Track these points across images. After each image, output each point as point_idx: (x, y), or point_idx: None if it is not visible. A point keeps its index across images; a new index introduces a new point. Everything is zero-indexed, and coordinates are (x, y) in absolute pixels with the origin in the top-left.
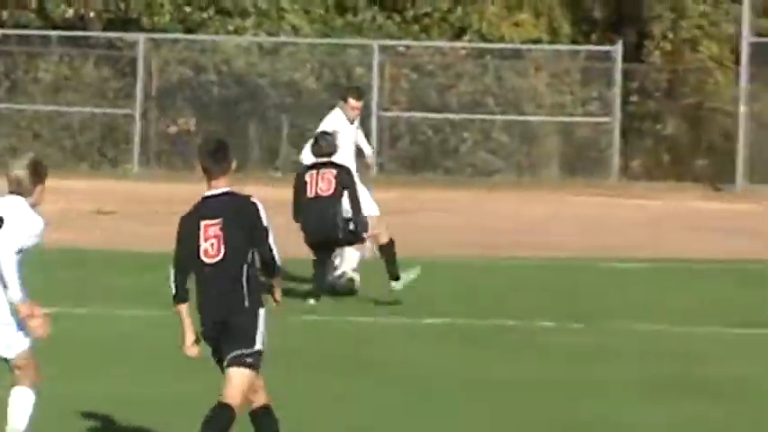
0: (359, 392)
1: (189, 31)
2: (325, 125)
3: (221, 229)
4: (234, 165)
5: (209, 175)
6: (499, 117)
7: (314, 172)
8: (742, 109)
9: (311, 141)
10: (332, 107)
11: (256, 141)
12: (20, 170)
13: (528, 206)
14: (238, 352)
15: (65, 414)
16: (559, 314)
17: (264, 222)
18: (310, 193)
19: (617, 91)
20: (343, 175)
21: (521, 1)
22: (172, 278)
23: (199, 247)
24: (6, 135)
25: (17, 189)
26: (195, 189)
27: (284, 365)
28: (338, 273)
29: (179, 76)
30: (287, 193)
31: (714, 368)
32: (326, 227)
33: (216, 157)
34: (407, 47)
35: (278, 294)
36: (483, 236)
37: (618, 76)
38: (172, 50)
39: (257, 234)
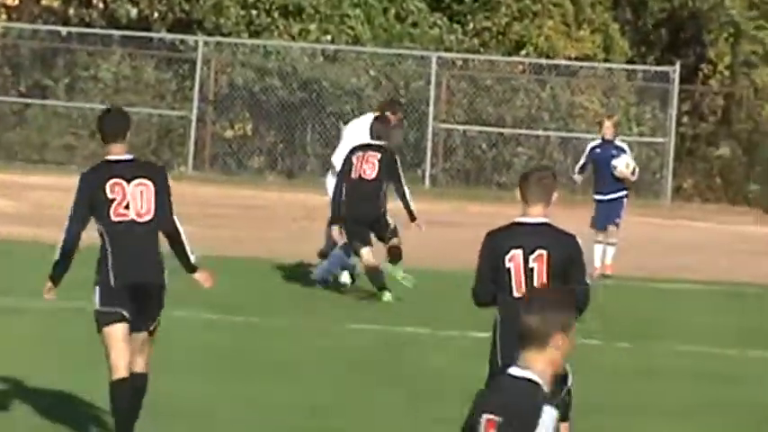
0: (393, 403)
1: (254, 34)
2: (354, 130)
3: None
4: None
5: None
6: (553, 133)
7: (360, 154)
8: None
9: (345, 143)
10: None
11: (312, 148)
12: None
13: (580, 225)
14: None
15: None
16: (609, 334)
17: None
18: (354, 175)
19: (673, 112)
20: (387, 158)
21: (580, 18)
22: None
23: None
24: (62, 133)
25: None
26: (247, 194)
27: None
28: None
29: (238, 79)
30: None
31: (762, 392)
32: (368, 208)
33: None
34: (465, 60)
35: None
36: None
37: (675, 98)
38: (233, 53)
39: None
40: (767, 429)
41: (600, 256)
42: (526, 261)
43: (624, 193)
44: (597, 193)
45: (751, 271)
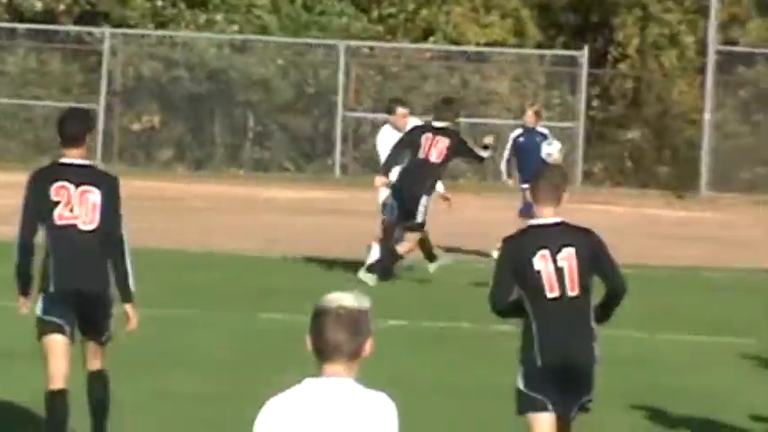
0: None
1: (161, 25)
2: (381, 145)
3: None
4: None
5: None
6: (464, 120)
7: (430, 135)
8: (706, 117)
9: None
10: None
11: (221, 139)
12: None
13: (490, 212)
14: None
15: None
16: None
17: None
18: (421, 155)
19: (582, 97)
20: (457, 143)
21: (489, 3)
22: None
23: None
24: None
25: None
26: (155, 185)
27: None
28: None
29: (145, 71)
30: (251, 192)
31: (674, 376)
32: (416, 189)
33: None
34: (372, 48)
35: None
36: (442, 240)
37: (583, 82)
38: (139, 45)
39: None
40: (673, 412)
41: None
42: (555, 261)
43: None
44: (525, 181)
45: (662, 253)
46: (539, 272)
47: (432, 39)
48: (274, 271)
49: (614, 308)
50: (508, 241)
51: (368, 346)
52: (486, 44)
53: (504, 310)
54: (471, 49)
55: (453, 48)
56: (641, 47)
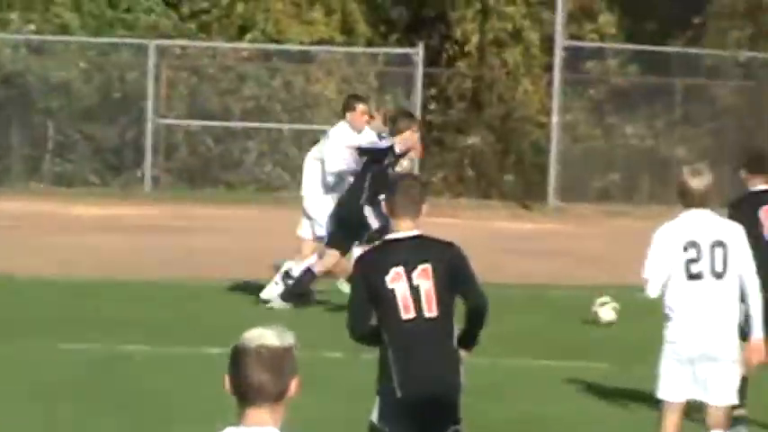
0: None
1: None
2: (333, 147)
3: None
4: None
5: None
6: (287, 126)
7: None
8: (554, 119)
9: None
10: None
11: (19, 150)
12: None
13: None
14: None
15: None
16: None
17: None
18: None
19: (417, 99)
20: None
21: None
22: None
23: None
24: None
25: None
26: None
27: None
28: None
29: None
30: (53, 209)
31: (528, 405)
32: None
33: None
34: (185, 47)
35: None
36: (268, 256)
37: (419, 82)
38: None
39: None
40: None
41: None
42: (410, 279)
43: None
44: None
45: (509, 271)
46: (392, 291)
47: (249, 36)
48: (78, 296)
49: (479, 329)
50: (362, 259)
51: (293, 386)
52: (311, 43)
53: (365, 335)
54: (294, 48)
55: (274, 47)
56: (481, 43)
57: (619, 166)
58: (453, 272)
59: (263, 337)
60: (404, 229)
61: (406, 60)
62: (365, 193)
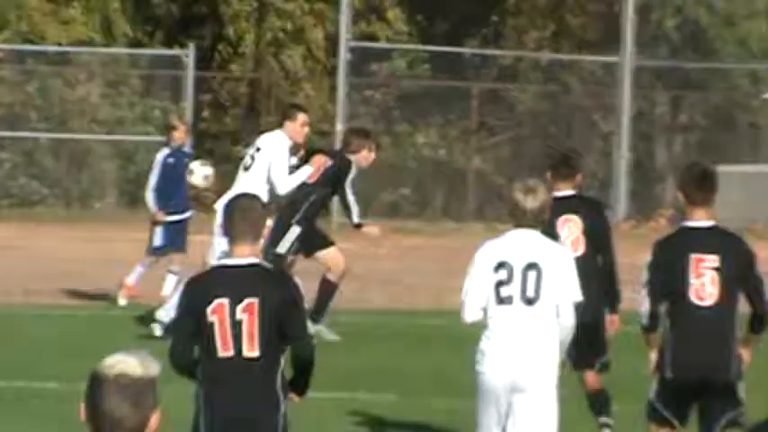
0: None
1: None
2: (276, 159)
3: None
4: None
5: None
6: (44, 135)
7: None
8: (339, 128)
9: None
10: None
11: None
12: None
13: (78, 245)
14: None
15: None
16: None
17: None
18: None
19: (188, 105)
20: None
21: None
22: None
23: None
24: None
25: None
26: None
27: None
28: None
29: None
30: None
31: None
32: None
33: None
34: None
35: None
36: (23, 281)
37: (189, 87)
38: None
39: None
40: None
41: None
42: (233, 313)
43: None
44: (172, 212)
45: None
46: (212, 324)
47: (0, 36)
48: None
49: (309, 376)
50: (191, 283)
51: (153, 421)
52: (70, 44)
53: (189, 366)
54: (50, 48)
55: (28, 47)
56: (258, 43)
57: (409, 180)
58: (280, 310)
59: (124, 364)
60: (239, 256)
61: (176, 63)
62: (299, 215)
